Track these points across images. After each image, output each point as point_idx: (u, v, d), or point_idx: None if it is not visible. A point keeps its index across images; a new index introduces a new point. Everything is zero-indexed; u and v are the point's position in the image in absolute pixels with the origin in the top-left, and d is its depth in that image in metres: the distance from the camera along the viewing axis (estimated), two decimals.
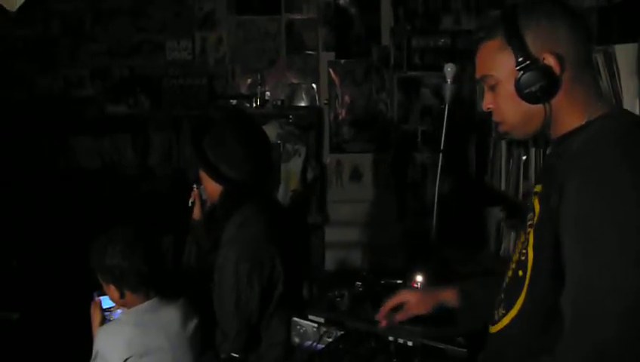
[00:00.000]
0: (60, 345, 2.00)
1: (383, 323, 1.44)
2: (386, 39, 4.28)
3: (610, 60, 1.86)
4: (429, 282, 1.62)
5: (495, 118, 1.17)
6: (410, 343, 1.35)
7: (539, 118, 1.10)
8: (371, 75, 4.34)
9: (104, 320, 1.81)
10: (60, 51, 4.41)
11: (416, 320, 1.42)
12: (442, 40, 4.17)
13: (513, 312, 1.11)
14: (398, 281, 1.65)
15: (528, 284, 1.08)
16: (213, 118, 1.83)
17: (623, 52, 1.84)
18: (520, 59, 1.07)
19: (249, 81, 4.35)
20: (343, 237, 4.10)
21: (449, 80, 2.82)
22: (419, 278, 1.60)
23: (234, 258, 1.71)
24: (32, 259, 2.31)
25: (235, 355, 1.34)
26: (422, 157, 4.24)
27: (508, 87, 1.10)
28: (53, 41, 4.37)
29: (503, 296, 1.17)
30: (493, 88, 1.14)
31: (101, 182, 3.98)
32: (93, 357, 1.69)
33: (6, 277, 2.26)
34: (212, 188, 1.81)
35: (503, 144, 2.86)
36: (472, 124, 3.58)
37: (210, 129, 1.78)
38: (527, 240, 1.09)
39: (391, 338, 1.37)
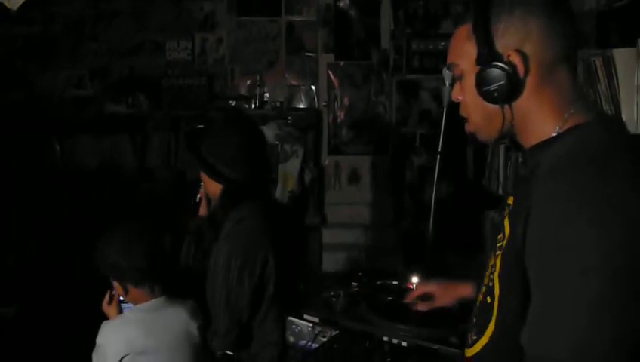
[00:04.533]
0: (55, 341, 2.00)
1: (418, 306, 1.46)
2: (385, 42, 4.29)
3: (609, 64, 1.87)
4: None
5: (461, 112, 1.07)
6: (404, 343, 1.35)
7: (498, 120, 0.99)
8: (370, 77, 4.36)
9: (121, 311, 1.82)
10: (60, 51, 4.41)
11: (410, 320, 1.43)
12: (442, 43, 4.18)
13: (484, 340, 1.02)
14: (394, 282, 1.65)
15: (497, 313, 0.99)
16: (211, 118, 1.85)
17: (622, 56, 1.84)
18: (481, 53, 0.96)
19: (248, 82, 4.37)
20: (340, 239, 4.11)
21: (447, 83, 2.81)
22: (414, 279, 1.60)
23: (226, 253, 1.73)
24: (30, 256, 2.32)
25: (229, 353, 1.34)
26: (420, 160, 4.25)
27: (471, 81, 0.99)
28: (53, 41, 4.38)
29: (474, 320, 1.08)
30: (459, 79, 1.03)
31: (100, 182, 3.99)
32: (95, 348, 1.70)
33: (3, 273, 2.26)
34: (212, 187, 1.83)
35: (501, 148, 2.87)
36: None
37: (208, 129, 1.80)
38: (495, 265, 1.00)
39: (385, 339, 1.37)
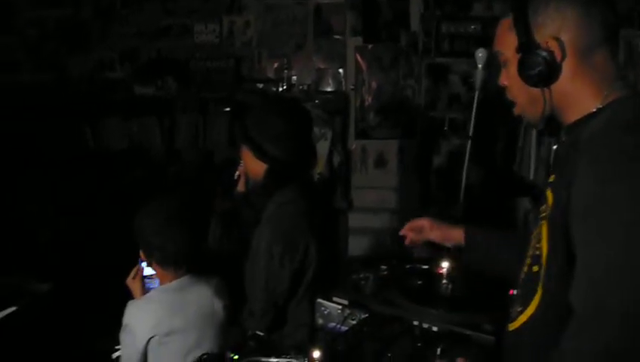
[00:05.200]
0: (88, 316, 2.04)
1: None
2: (415, 24, 4.22)
3: None
4: (454, 269, 1.60)
5: (508, 95, 1.18)
6: (435, 328, 1.33)
7: (541, 102, 1.10)
8: (399, 60, 4.29)
9: (144, 287, 1.84)
10: (90, 33, 4.45)
11: (442, 304, 1.41)
12: (473, 26, 4.09)
13: (530, 310, 1.08)
14: (424, 266, 1.63)
15: (544, 280, 1.04)
16: (256, 97, 1.85)
17: None
18: (521, 42, 1.08)
19: (276, 65, 4.35)
20: (366, 223, 4.09)
21: (480, 65, 2.77)
22: (444, 264, 1.58)
23: (269, 237, 1.72)
24: (63, 234, 2.37)
25: (259, 333, 1.34)
26: (448, 145, 4.20)
27: (514, 67, 1.11)
28: (83, 23, 4.41)
29: (519, 292, 1.15)
30: (504, 65, 1.15)
31: (129, 163, 4.03)
32: (122, 328, 1.72)
33: (38, 250, 2.31)
34: (254, 166, 1.81)
35: (534, 133, 2.82)
36: (502, 111, 3.52)
37: (256, 107, 1.79)
38: (540, 233, 1.06)
39: (415, 323, 1.35)
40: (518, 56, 1.08)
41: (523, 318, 1.10)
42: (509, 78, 1.14)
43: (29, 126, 3.67)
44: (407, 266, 1.67)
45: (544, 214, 1.07)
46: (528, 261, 1.11)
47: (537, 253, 1.06)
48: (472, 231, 1.56)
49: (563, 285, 0.96)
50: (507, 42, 1.12)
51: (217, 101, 4.26)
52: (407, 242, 1.66)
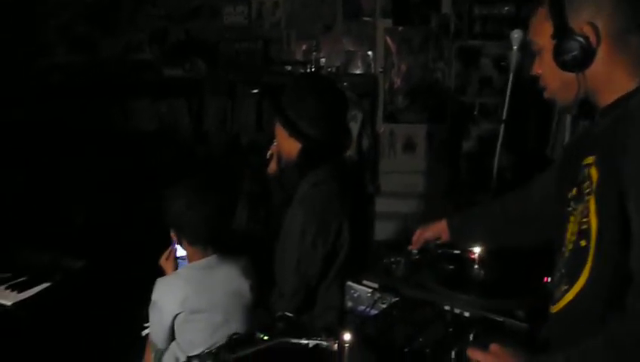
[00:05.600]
0: (120, 294, 2.08)
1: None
2: (446, 6, 4.13)
3: None
4: (486, 256, 1.57)
5: (541, 83, 1.23)
6: (466, 314, 1.32)
7: (574, 86, 1.14)
8: (429, 43, 4.22)
9: (177, 267, 1.87)
10: (120, 15, 4.48)
11: (474, 290, 1.39)
12: (506, 8, 3.99)
13: (578, 286, 1.09)
14: (456, 251, 1.61)
15: (594, 253, 1.06)
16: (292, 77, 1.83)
17: None
18: (557, 29, 1.12)
19: (304, 47, 4.32)
20: (394, 208, 4.07)
21: (515, 47, 2.70)
22: (476, 250, 1.56)
23: (301, 219, 1.71)
24: (96, 213, 2.40)
25: (289, 314, 1.34)
26: (478, 129, 4.13)
27: (548, 54, 1.16)
28: (114, 5, 4.44)
29: (563, 271, 1.16)
30: (538, 53, 1.20)
31: (158, 144, 4.07)
32: (151, 304, 1.75)
33: (72, 228, 2.35)
34: (288, 145, 1.80)
35: (568, 117, 2.74)
36: (535, 95, 3.44)
37: (291, 86, 1.78)
38: (587, 208, 1.09)
39: (447, 308, 1.34)
40: (554, 42, 1.13)
41: (569, 296, 1.11)
42: (543, 66, 1.20)
43: (63, 107, 3.73)
44: (439, 251, 1.65)
45: (589, 190, 1.10)
46: (573, 238, 1.13)
47: (584, 227, 1.09)
48: (452, 219, 1.66)
49: (615, 256, 1.01)
50: (542, 31, 1.16)
51: (245, 83, 4.25)
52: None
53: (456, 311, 1.33)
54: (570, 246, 1.14)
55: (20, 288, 2.02)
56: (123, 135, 3.99)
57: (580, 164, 1.16)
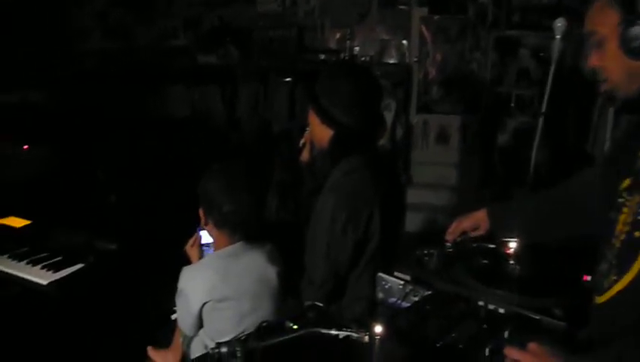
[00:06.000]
0: (151, 277, 2.10)
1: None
2: None
3: None
4: (522, 251, 1.53)
5: (600, 75, 1.19)
6: (501, 310, 1.28)
7: None
8: (466, 32, 4.13)
9: (202, 254, 1.86)
10: (155, 1, 4.51)
11: (509, 285, 1.36)
12: None
13: (630, 276, 1.09)
14: (491, 245, 1.57)
15: None
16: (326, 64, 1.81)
17: None
18: (624, 15, 1.09)
19: (338, 35, 4.28)
20: (425, 199, 4.02)
21: (558, 36, 2.61)
22: (512, 245, 1.52)
23: (332, 205, 1.69)
24: (130, 197, 2.43)
25: (318, 304, 1.32)
26: (514, 122, 4.04)
27: (612, 44, 1.13)
28: None
29: (613, 262, 1.15)
30: (598, 45, 1.17)
31: (190, 130, 4.10)
32: (177, 292, 1.75)
33: (106, 211, 2.38)
34: (321, 133, 1.77)
35: (610, 111, 2.65)
36: (576, 87, 3.34)
37: (324, 72, 1.76)
38: None
39: (481, 303, 1.31)
40: (620, 30, 1.10)
41: (618, 286, 1.12)
42: (605, 57, 1.16)
43: (99, 92, 3.78)
44: (473, 244, 1.61)
45: None
46: (626, 228, 1.13)
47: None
48: (492, 208, 1.61)
49: None
50: (604, 20, 1.13)
51: (278, 71, 4.24)
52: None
53: (491, 306, 1.29)
54: (623, 237, 1.13)
55: (55, 268, 2.05)
56: (156, 120, 4.02)
57: (636, 154, 1.15)
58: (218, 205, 1.69)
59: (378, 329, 1.12)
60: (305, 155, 1.88)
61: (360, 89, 1.72)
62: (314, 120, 1.78)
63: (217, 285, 1.70)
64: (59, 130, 2.82)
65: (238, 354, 1.12)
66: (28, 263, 2.10)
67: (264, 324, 1.27)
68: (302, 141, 1.88)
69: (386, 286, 1.48)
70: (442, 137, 4.24)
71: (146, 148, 3.00)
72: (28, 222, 2.37)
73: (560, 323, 1.22)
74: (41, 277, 2.01)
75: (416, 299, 1.40)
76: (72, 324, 2.02)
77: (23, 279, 2.03)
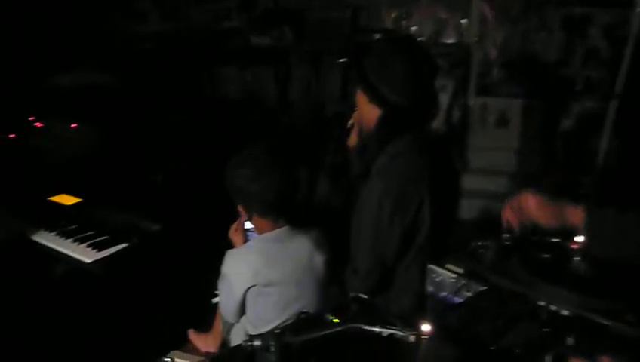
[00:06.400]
0: (194, 259, 2.06)
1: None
2: None
3: None
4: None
5: None
6: (565, 312, 1.15)
7: None
8: (530, 11, 3.90)
9: (246, 239, 1.81)
10: None
11: (575, 284, 1.22)
12: None
13: None
14: (554, 239, 1.43)
15: None
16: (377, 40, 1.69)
17: None
18: None
19: (394, 14, 4.13)
20: (482, 186, 3.84)
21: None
22: (579, 239, 1.37)
23: (379, 191, 1.58)
24: (176, 178, 2.40)
25: (363, 296, 1.23)
26: (580, 106, 3.79)
27: None
28: None
29: None
30: None
31: (242, 112, 4.07)
32: (220, 277, 1.70)
33: (152, 191, 2.37)
34: (369, 113, 1.67)
35: None
36: None
37: (374, 49, 1.64)
38: None
39: (542, 303, 1.18)
40: None
41: None
42: None
43: (153, 74, 3.80)
44: (534, 237, 1.47)
45: None
46: None
47: None
48: (596, 213, 1.27)
49: None
50: None
51: (332, 52, 4.14)
52: (504, 225, 1.40)
53: (553, 308, 1.16)
54: None
55: (100, 247, 2.05)
56: (209, 102, 4.02)
57: None
58: (252, 194, 1.62)
59: (425, 327, 1.02)
60: (352, 137, 1.77)
61: (411, 65, 1.59)
62: (362, 99, 1.67)
63: (261, 269, 1.64)
64: (109, 109, 2.84)
65: (272, 349, 1.04)
66: (75, 241, 2.11)
67: (303, 315, 1.19)
68: (350, 122, 1.78)
69: (437, 279, 1.37)
70: (502, 121, 4.04)
71: (196, 130, 2.98)
72: (78, 200, 2.38)
73: (633, 331, 1.08)
74: (85, 255, 2.01)
75: (470, 294, 1.28)
76: (112, 304, 2.02)
77: (68, 256, 2.04)
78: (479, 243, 1.42)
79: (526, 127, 3.96)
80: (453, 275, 1.34)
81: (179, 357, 1.78)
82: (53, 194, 2.41)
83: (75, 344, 2.01)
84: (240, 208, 1.71)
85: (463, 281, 1.31)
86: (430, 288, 1.38)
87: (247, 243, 1.77)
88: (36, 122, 2.66)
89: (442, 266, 1.37)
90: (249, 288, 1.64)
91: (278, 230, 1.69)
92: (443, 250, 1.64)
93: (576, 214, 1.28)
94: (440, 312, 1.21)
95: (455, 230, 1.85)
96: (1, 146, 2.59)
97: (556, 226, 1.31)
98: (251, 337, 1.08)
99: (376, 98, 1.61)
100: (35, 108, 2.75)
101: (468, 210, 3.89)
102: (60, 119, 2.63)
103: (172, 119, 2.92)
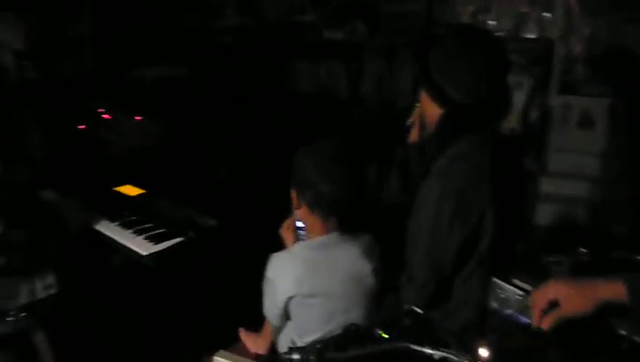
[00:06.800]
0: (248, 257, 2.02)
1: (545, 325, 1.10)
2: None
3: None
4: None
5: None
6: None
7: None
8: (620, 2, 3.61)
9: (297, 238, 1.75)
10: None
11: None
12: None
13: None
14: (639, 256, 1.26)
15: None
16: (441, 33, 1.58)
17: None
18: None
19: (472, 7, 3.95)
20: (561, 190, 3.61)
21: None
22: None
23: (437, 195, 1.47)
24: (239, 173, 2.38)
25: (417, 310, 1.13)
26: None
27: None
28: None
29: None
30: None
31: (313, 107, 4.04)
32: (265, 280, 1.65)
33: (212, 186, 2.36)
34: (432, 111, 1.57)
35: None
36: None
37: (438, 43, 1.53)
38: None
39: (623, 332, 1.03)
40: None
41: None
42: None
43: (230, 68, 3.83)
44: (614, 253, 1.31)
45: None
46: None
47: None
48: (635, 287, 1.07)
49: None
50: None
51: (405, 47, 4.02)
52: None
53: (637, 338, 1.01)
54: None
55: (157, 240, 2.06)
56: (280, 96, 4.01)
57: None
58: (311, 183, 1.55)
59: (483, 352, 0.90)
60: (413, 135, 1.67)
61: (478, 61, 1.47)
62: (424, 96, 1.56)
63: (305, 278, 1.57)
64: (178, 103, 2.86)
65: None
66: (134, 232, 2.13)
67: (352, 327, 1.11)
68: (409, 120, 1.67)
69: (501, 295, 1.24)
70: (586, 122, 3.76)
71: (266, 124, 2.96)
72: (142, 191, 2.41)
73: None
74: (142, 247, 2.03)
75: None
76: (165, 297, 2.01)
77: (125, 247, 2.07)
78: (550, 259, 1.28)
79: (612, 128, 3.68)
80: (521, 292, 1.21)
81: (226, 358, 1.74)
82: (119, 185, 2.46)
83: (129, 335, 2.03)
84: (293, 194, 1.64)
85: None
86: (493, 304, 1.26)
87: (292, 248, 1.69)
88: (104, 114, 2.72)
89: (508, 281, 1.24)
90: (291, 297, 1.57)
91: (325, 236, 1.62)
92: (510, 259, 1.50)
93: (612, 289, 1.11)
94: (501, 335, 1.08)
95: (527, 236, 1.70)
96: (72, 137, 2.67)
97: (592, 310, 1.11)
98: (291, 349, 1.00)
99: (438, 96, 1.50)
100: (104, 100, 2.81)
101: (544, 215, 3.66)
102: (126, 112, 2.68)
103: (242, 113, 2.92)
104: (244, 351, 1.87)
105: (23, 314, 1.90)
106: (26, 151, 2.07)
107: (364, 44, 4.18)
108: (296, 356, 0.98)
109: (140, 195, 2.40)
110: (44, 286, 1.94)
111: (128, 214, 2.28)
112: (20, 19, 1.81)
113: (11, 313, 1.88)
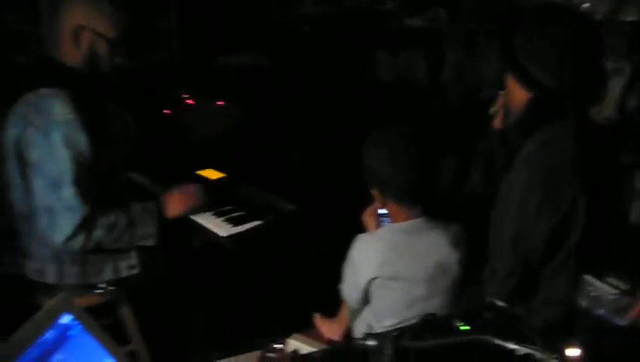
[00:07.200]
0: (328, 242, 2.02)
1: None
2: None
3: None
4: None
5: None
6: None
7: None
8: None
9: (380, 224, 1.73)
10: None
11: None
12: None
13: None
14: None
15: None
16: (527, 13, 1.50)
17: None
18: None
19: None
20: None
21: None
22: None
23: (524, 182, 1.40)
24: (317, 159, 2.38)
25: (500, 304, 1.07)
26: None
27: None
28: None
29: None
30: None
31: (392, 95, 3.98)
32: (347, 261, 1.63)
33: (288, 170, 2.38)
34: (518, 95, 1.49)
35: None
36: None
37: (525, 23, 1.46)
38: None
39: None
40: None
41: None
42: None
43: (307, 55, 3.85)
44: None
45: None
46: None
47: None
48: None
49: None
50: None
51: (488, 33, 3.87)
52: None
53: None
54: None
55: (236, 222, 2.10)
56: (359, 84, 3.99)
57: None
58: (385, 177, 1.52)
59: (572, 352, 0.84)
60: (497, 123, 1.59)
61: (568, 41, 1.38)
62: (511, 80, 1.48)
63: (389, 261, 1.54)
64: (258, 89, 2.90)
65: (387, 351, 0.93)
66: (214, 214, 2.18)
67: (430, 317, 1.07)
68: (492, 109, 1.60)
69: (593, 294, 1.16)
70: None
71: (343, 111, 2.95)
72: (222, 175, 2.47)
73: None
74: (222, 228, 2.07)
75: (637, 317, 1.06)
76: (242, 280, 2.05)
77: (205, 228, 2.11)
78: None
79: None
80: (615, 291, 1.12)
81: (300, 341, 1.75)
82: (201, 169, 2.52)
83: (205, 316, 2.08)
84: (374, 193, 1.62)
85: (629, 300, 1.09)
86: (584, 303, 1.17)
87: (378, 231, 1.68)
88: (188, 99, 2.81)
89: (601, 278, 1.15)
90: (373, 279, 1.55)
91: (412, 221, 1.58)
92: (603, 256, 1.40)
93: None
94: (593, 336, 1.01)
95: (621, 235, 1.59)
96: (158, 121, 2.77)
97: None
98: (367, 335, 0.98)
99: (524, 79, 1.42)
100: (189, 87, 2.90)
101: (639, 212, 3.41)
102: (208, 98, 2.74)
103: (320, 101, 2.92)
104: (318, 337, 1.87)
105: (111, 288, 2.00)
106: (116, 135, 2.16)
107: (445, 30, 4.06)
108: (371, 342, 0.96)
109: (220, 179, 2.46)
110: (127, 265, 2.03)
111: (208, 197, 2.33)
112: (112, 7, 1.89)
113: (100, 285, 1.99)
